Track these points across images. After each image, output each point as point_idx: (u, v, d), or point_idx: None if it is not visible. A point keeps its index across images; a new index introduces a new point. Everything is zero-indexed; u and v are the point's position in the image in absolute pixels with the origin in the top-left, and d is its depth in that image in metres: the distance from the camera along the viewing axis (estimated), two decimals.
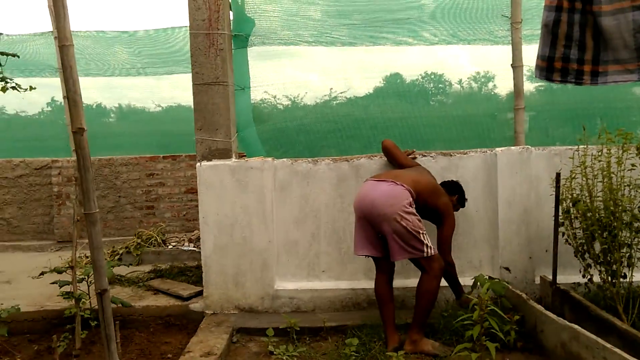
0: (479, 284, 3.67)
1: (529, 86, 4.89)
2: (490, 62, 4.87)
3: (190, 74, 4.31)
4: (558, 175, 3.60)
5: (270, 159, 4.25)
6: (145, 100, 8.29)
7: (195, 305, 4.29)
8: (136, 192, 7.17)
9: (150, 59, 7.74)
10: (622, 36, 2.67)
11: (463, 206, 4.07)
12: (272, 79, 4.85)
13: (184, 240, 6.37)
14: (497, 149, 4.29)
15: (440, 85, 5.02)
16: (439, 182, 3.93)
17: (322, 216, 4.28)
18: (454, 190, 3.99)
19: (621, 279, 3.52)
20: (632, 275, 3.51)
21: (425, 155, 4.29)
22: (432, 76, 4.96)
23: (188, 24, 4.26)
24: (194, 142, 4.30)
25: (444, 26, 4.63)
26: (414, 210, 3.47)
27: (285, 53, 4.82)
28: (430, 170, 4.04)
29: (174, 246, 6.08)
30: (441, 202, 3.72)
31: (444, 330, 3.63)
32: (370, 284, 4.18)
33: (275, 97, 4.95)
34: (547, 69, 3.00)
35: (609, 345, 2.73)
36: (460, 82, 4.95)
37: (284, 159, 4.32)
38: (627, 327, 3.02)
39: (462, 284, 4.12)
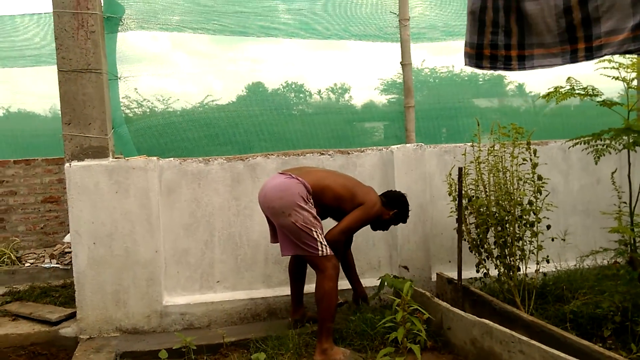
0: (386, 283, 3.56)
1: None
2: (347, 74, 4.94)
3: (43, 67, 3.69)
4: (460, 170, 3.61)
5: (155, 158, 3.77)
6: None
7: (67, 330, 3.68)
8: None
9: None
10: (545, 21, 2.70)
11: (404, 222, 3.77)
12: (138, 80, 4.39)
13: (43, 256, 5.54)
14: (392, 146, 4.24)
15: (301, 95, 5.11)
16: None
17: (216, 221, 3.90)
18: (394, 204, 3.66)
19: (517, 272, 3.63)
20: (526, 268, 3.63)
21: (323, 154, 4.12)
22: (293, 86, 5.02)
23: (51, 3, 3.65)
24: (53, 143, 3.69)
25: (336, 20, 4.51)
26: (309, 207, 3.23)
27: (145, 57, 4.44)
28: (329, 169, 3.85)
29: (31, 264, 5.25)
30: (359, 201, 3.42)
31: (353, 335, 3.46)
32: (269, 292, 3.91)
33: (141, 97, 4.47)
34: (476, 56, 2.95)
35: (525, 339, 2.73)
36: (319, 92, 5.04)
37: (171, 159, 3.87)
38: (534, 319, 3.08)
39: (362, 284, 4.02)
